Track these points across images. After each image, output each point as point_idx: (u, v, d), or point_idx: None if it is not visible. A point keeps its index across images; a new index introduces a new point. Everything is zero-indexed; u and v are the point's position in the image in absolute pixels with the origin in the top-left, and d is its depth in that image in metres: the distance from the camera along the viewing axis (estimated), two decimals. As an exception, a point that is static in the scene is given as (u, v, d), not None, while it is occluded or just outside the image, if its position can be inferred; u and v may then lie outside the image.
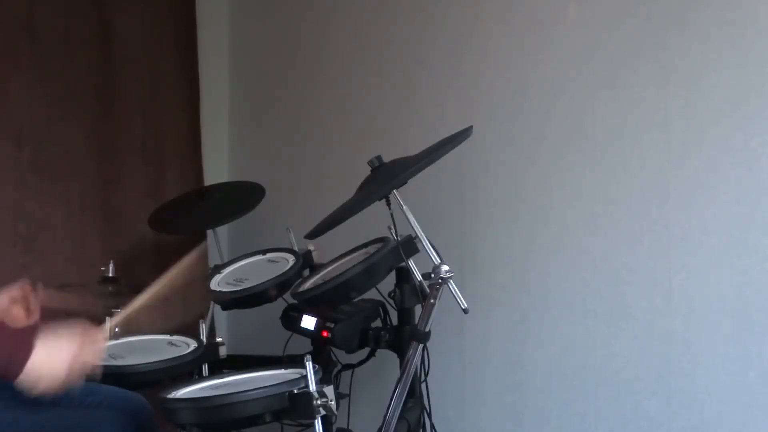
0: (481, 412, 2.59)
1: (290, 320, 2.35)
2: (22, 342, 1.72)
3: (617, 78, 2.27)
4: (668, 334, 2.15)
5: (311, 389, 1.74)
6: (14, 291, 1.92)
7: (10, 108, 3.13)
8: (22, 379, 1.69)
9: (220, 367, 2.33)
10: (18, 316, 1.90)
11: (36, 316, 1.94)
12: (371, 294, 2.28)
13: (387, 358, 2.29)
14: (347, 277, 2.17)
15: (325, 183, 3.15)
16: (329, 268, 2.40)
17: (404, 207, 2.05)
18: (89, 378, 2.10)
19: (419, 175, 2.04)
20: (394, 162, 2.12)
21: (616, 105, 2.27)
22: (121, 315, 2.12)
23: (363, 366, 2.39)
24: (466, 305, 1.94)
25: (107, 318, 2.39)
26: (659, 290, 2.17)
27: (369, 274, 2.18)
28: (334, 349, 2.40)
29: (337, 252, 2.46)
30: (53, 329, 1.77)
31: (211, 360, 2.32)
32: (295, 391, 1.76)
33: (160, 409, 1.87)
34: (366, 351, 2.33)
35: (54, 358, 1.71)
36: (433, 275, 1.94)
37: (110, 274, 2.73)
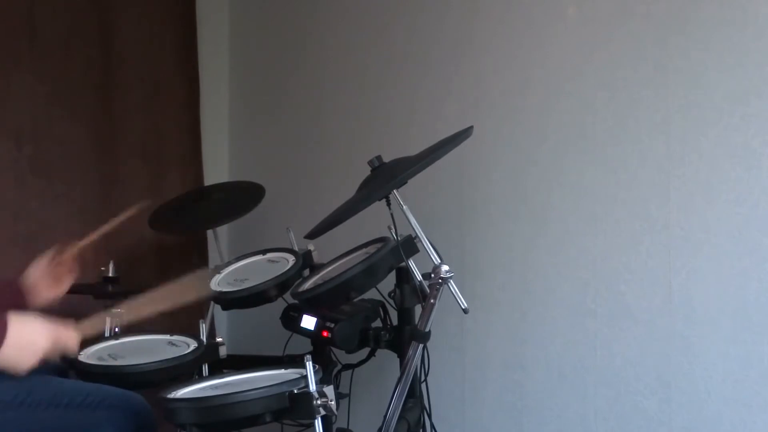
0: (481, 412, 2.58)
1: (290, 320, 2.35)
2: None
3: (617, 78, 2.27)
4: (668, 334, 2.15)
5: (311, 389, 1.74)
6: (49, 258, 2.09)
7: (10, 107, 3.13)
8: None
9: (220, 367, 2.32)
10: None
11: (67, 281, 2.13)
12: (371, 294, 2.28)
13: (387, 358, 2.29)
14: (347, 277, 2.17)
15: (325, 183, 3.15)
16: (329, 268, 2.40)
17: (404, 207, 2.05)
18: (89, 378, 2.11)
19: (419, 175, 2.04)
20: (394, 162, 2.12)
21: (616, 105, 2.27)
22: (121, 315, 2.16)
23: (363, 366, 2.40)
24: (466, 305, 1.94)
25: (107, 318, 2.39)
26: (659, 290, 2.17)
27: (369, 274, 2.18)
28: (334, 349, 2.41)
29: (337, 252, 2.46)
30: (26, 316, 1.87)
31: (211, 360, 2.32)
32: (295, 391, 1.75)
33: (160, 409, 1.86)
34: (366, 351, 2.33)
35: (30, 339, 1.83)
36: (433, 275, 1.94)
37: (110, 274, 2.73)
